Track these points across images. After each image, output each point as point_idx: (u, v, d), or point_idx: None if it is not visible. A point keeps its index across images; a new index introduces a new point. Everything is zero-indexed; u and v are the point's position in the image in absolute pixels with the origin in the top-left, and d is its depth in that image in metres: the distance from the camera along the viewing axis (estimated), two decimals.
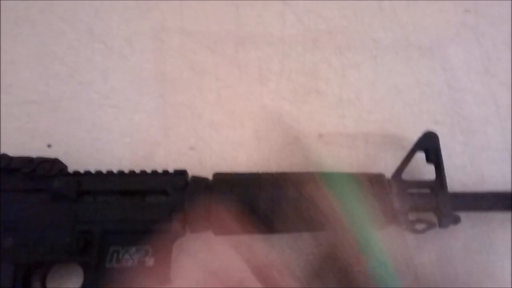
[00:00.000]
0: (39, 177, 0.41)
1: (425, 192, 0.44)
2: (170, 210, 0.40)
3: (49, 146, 0.48)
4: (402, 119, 0.53)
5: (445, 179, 0.44)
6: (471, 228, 0.48)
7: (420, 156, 0.45)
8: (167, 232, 0.40)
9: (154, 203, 0.40)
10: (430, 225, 0.43)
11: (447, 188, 0.44)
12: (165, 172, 0.42)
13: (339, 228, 0.41)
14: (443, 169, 0.45)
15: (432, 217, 0.43)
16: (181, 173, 0.42)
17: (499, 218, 0.48)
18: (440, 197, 0.43)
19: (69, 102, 0.50)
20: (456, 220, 0.43)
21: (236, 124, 0.51)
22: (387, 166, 0.50)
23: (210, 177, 0.43)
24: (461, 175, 0.50)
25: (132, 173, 0.42)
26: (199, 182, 0.42)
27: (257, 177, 0.43)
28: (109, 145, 0.49)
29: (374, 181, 0.43)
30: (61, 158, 0.44)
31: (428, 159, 0.45)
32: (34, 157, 0.42)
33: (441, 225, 0.43)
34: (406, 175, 0.45)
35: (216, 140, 0.50)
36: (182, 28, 0.55)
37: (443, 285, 0.45)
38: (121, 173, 0.42)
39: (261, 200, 0.41)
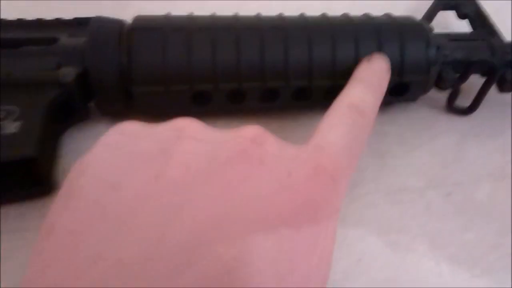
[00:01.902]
0: None
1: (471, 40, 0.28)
2: (57, 62, 0.23)
3: None
4: None
5: (495, 26, 0.29)
6: None
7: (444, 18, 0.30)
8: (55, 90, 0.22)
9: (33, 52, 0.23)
10: (484, 87, 0.26)
11: (501, 36, 0.28)
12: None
13: None
14: (488, 16, 0.29)
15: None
16: (83, 20, 0.25)
17: None
18: (495, 44, 0.27)
19: None
20: None
21: None
22: None
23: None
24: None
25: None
26: (109, 26, 0.24)
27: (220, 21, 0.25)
28: None
29: (403, 22, 0.26)
30: None
31: (461, 13, 0.30)
32: None
33: (503, 87, 0.26)
34: None
35: None
36: None
37: None
38: None
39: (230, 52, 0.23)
